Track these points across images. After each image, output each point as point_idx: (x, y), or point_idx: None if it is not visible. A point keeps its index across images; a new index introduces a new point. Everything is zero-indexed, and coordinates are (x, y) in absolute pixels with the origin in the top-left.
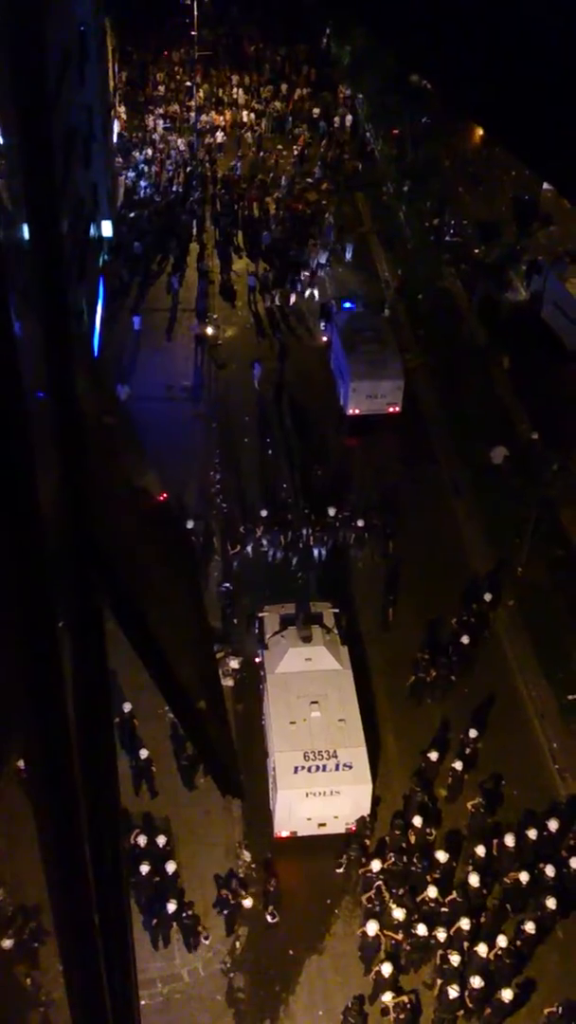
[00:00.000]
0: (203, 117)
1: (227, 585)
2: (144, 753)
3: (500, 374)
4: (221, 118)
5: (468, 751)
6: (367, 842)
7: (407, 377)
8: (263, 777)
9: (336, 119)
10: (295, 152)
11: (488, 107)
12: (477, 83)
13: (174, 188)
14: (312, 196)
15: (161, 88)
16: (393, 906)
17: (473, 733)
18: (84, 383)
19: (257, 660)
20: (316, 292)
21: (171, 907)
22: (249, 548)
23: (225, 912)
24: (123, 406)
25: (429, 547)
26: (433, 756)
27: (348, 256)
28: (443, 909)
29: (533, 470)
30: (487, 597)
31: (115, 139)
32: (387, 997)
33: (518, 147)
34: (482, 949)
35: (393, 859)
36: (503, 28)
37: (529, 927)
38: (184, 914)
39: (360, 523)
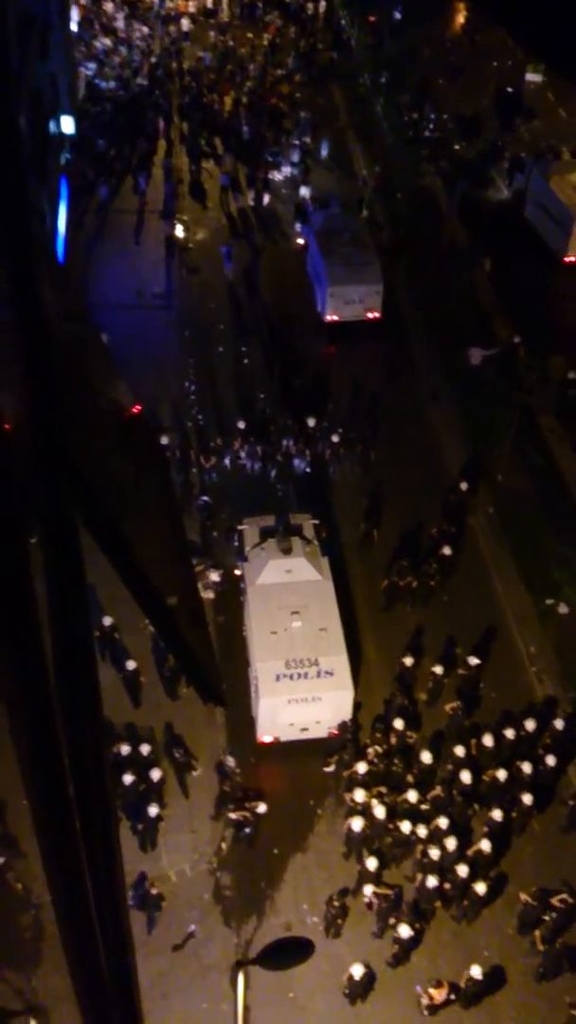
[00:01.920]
0: (167, 3)
1: (205, 498)
2: (131, 664)
3: (481, 277)
4: (187, 4)
5: (450, 657)
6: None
7: (386, 280)
8: (245, 686)
9: (309, 6)
10: (266, 41)
11: None
12: None
13: (139, 81)
14: (285, 89)
15: None
16: (375, 803)
17: (468, 655)
18: (49, 289)
19: (237, 572)
20: (292, 191)
21: (153, 811)
22: (227, 460)
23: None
24: (92, 313)
25: (409, 456)
26: (408, 661)
27: (324, 153)
28: (424, 807)
29: (515, 376)
30: (463, 486)
31: (74, 28)
32: (368, 890)
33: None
34: (451, 843)
35: (375, 761)
36: None
37: (496, 815)
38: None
39: (339, 434)
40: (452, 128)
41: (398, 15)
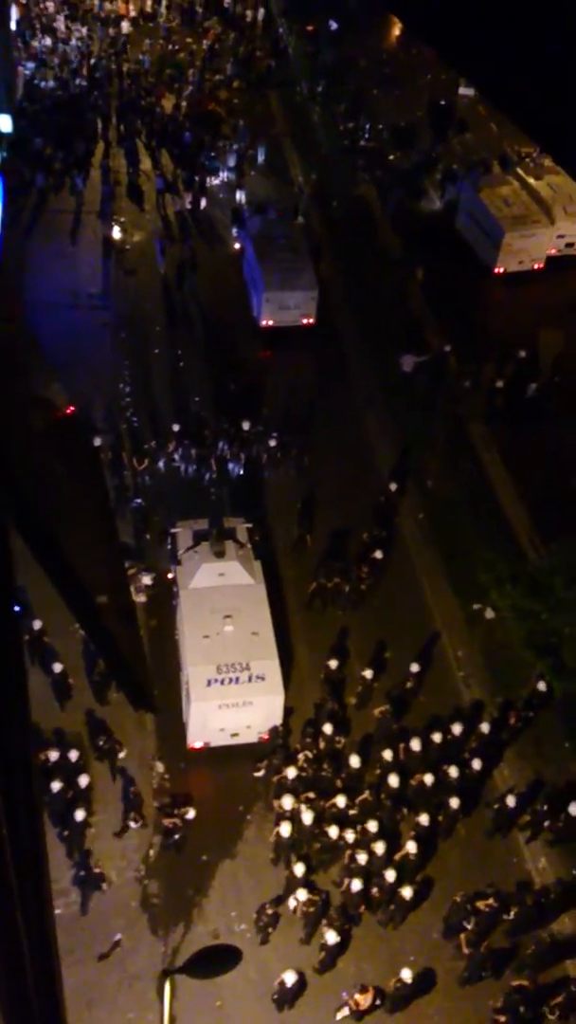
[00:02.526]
0: (107, 5)
1: (138, 501)
2: (59, 667)
3: (414, 285)
4: (127, 7)
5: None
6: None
7: (321, 288)
8: (176, 690)
9: (248, 13)
10: (205, 46)
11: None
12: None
13: (77, 81)
14: (224, 94)
15: None
16: (304, 809)
17: (416, 669)
18: None
19: (170, 576)
20: (229, 196)
21: (79, 815)
22: (161, 463)
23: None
24: (26, 312)
25: (342, 461)
26: (333, 664)
27: (260, 159)
28: (351, 812)
29: (445, 383)
30: (392, 487)
31: (13, 27)
32: (300, 895)
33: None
34: (380, 848)
35: (305, 765)
36: None
37: (423, 819)
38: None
39: (274, 438)
40: (387, 138)
41: (334, 25)
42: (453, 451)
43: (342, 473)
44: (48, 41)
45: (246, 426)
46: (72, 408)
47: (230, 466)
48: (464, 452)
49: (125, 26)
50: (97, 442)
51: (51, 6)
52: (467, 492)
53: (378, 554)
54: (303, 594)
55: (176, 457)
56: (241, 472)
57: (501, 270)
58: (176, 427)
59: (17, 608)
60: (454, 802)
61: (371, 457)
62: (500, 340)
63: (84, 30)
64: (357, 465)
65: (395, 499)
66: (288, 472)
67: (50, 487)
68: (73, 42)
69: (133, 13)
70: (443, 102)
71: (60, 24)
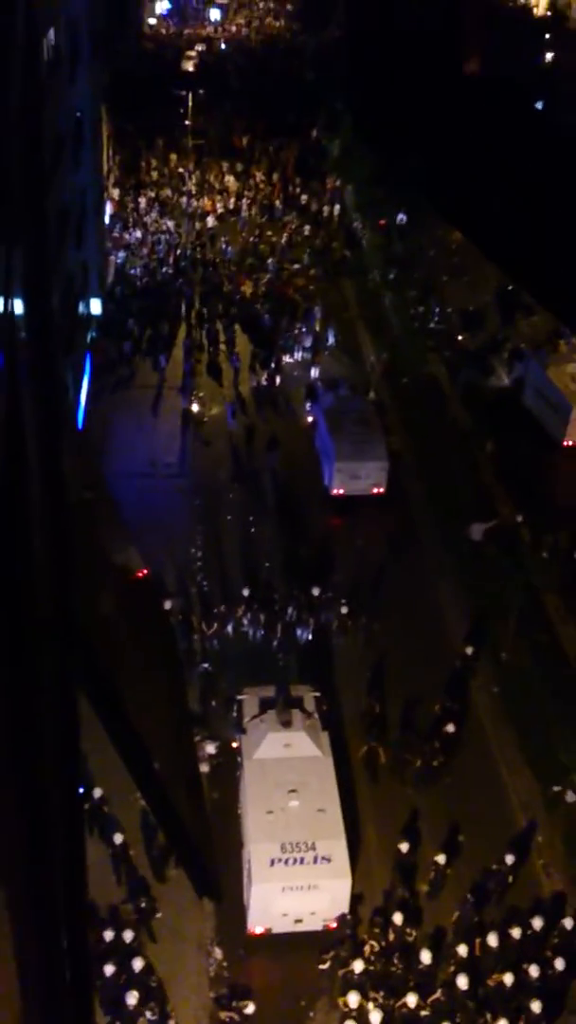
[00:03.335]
0: (194, 203)
1: (206, 665)
2: (119, 838)
3: (483, 458)
4: (213, 204)
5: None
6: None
7: (392, 459)
8: (237, 868)
9: (325, 208)
10: (284, 239)
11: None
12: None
13: (164, 269)
14: (300, 282)
15: (154, 173)
16: (371, 1008)
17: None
18: (69, 456)
19: (235, 745)
20: (302, 374)
21: (131, 1000)
22: (229, 627)
23: None
24: (106, 481)
25: (412, 630)
26: (404, 847)
27: (331, 341)
28: (423, 1012)
29: (517, 553)
30: (468, 651)
31: (107, 220)
32: None
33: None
34: None
35: (372, 959)
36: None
37: None
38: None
39: (344, 605)
40: (456, 321)
41: (403, 217)
42: (528, 623)
43: (412, 642)
44: (139, 233)
45: (315, 592)
46: (145, 571)
47: (298, 632)
48: (539, 624)
49: (211, 221)
50: (168, 605)
51: (143, 202)
52: (543, 665)
53: (451, 728)
54: (372, 769)
55: (245, 622)
56: (310, 638)
57: (570, 443)
58: (245, 591)
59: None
60: (536, 1006)
61: (442, 627)
62: (572, 511)
63: (171, 224)
64: (427, 634)
65: (471, 664)
66: (357, 640)
67: (121, 650)
68: (162, 235)
69: (220, 209)
70: (510, 287)
71: (150, 218)
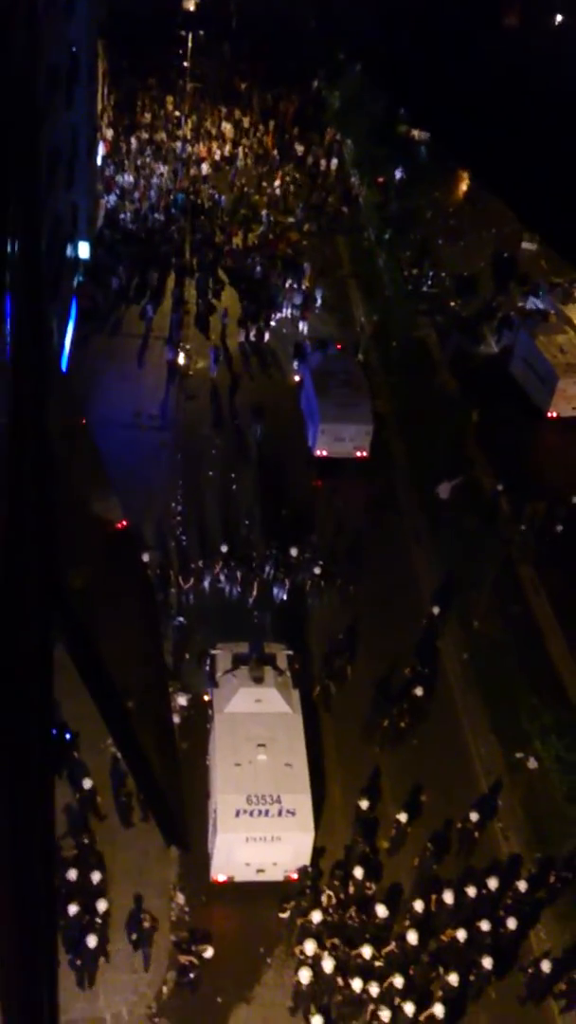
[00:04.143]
0: (188, 148)
1: (181, 619)
2: (88, 783)
3: (468, 426)
4: (207, 150)
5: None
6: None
7: (376, 422)
8: (203, 818)
9: (322, 162)
10: (278, 190)
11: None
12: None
13: (155, 215)
14: (294, 236)
15: (148, 115)
16: (326, 956)
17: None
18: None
19: (206, 698)
20: (291, 331)
21: (91, 942)
22: (206, 583)
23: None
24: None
25: (387, 594)
26: (364, 804)
27: (319, 301)
28: (378, 964)
29: (496, 525)
30: (435, 610)
31: (99, 161)
32: None
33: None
34: (409, 1008)
35: (331, 910)
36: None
37: (453, 979)
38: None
39: (320, 566)
40: (449, 286)
41: (399, 174)
42: (501, 593)
43: (386, 606)
44: (130, 177)
45: (293, 552)
46: (125, 522)
47: (274, 590)
48: (513, 594)
49: (205, 167)
50: (146, 558)
51: (135, 143)
52: (514, 635)
53: (419, 691)
54: (340, 727)
55: (222, 578)
56: (285, 598)
57: (555, 414)
58: (224, 548)
59: (68, 735)
60: (487, 962)
61: (416, 593)
62: (553, 483)
63: (165, 168)
64: (401, 599)
65: (437, 625)
66: (332, 601)
67: (99, 599)
68: (155, 179)
69: (216, 156)
70: (506, 254)
71: (141, 162)
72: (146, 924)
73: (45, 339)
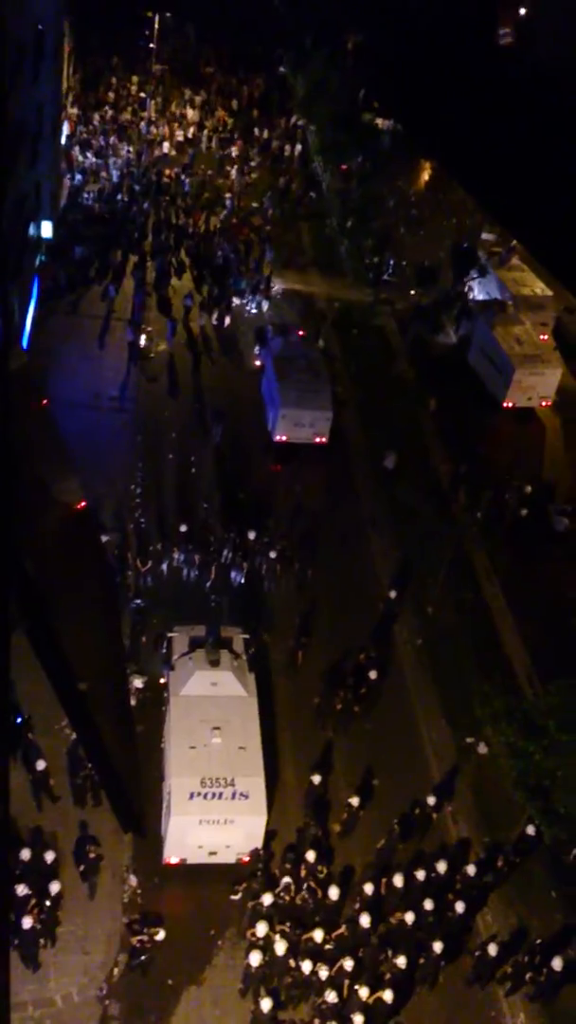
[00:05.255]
0: (153, 129)
1: (138, 602)
2: (41, 765)
3: (426, 414)
4: (171, 132)
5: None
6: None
7: (336, 409)
8: (157, 800)
9: (287, 147)
10: (244, 174)
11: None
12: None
13: (119, 196)
14: (257, 221)
15: (112, 95)
16: (277, 939)
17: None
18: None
19: (162, 681)
20: (252, 315)
21: (27, 923)
22: (164, 566)
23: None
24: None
25: (343, 579)
26: (316, 779)
27: (277, 286)
28: (328, 947)
29: (449, 512)
30: (392, 594)
31: (63, 140)
32: None
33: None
34: (363, 992)
35: (283, 893)
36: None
37: (401, 962)
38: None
39: (278, 550)
40: (409, 274)
41: (362, 161)
42: (455, 580)
43: (342, 591)
44: (93, 157)
45: (251, 536)
46: (84, 503)
47: (232, 574)
48: (466, 582)
49: (166, 147)
50: (104, 539)
51: (98, 121)
52: (467, 622)
53: (373, 675)
54: (295, 711)
55: (180, 560)
56: (242, 581)
57: (510, 404)
58: (183, 528)
59: (19, 718)
60: (437, 946)
61: (372, 578)
62: (507, 472)
63: (130, 149)
64: (357, 584)
65: (393, 609)
66: (289, 586)
67: (56, 580)
68: (120, 161)
69: (179, 138)
70: (465, 245)
71: (106, 141)
72: (91, 855)
73: (5, 318)
